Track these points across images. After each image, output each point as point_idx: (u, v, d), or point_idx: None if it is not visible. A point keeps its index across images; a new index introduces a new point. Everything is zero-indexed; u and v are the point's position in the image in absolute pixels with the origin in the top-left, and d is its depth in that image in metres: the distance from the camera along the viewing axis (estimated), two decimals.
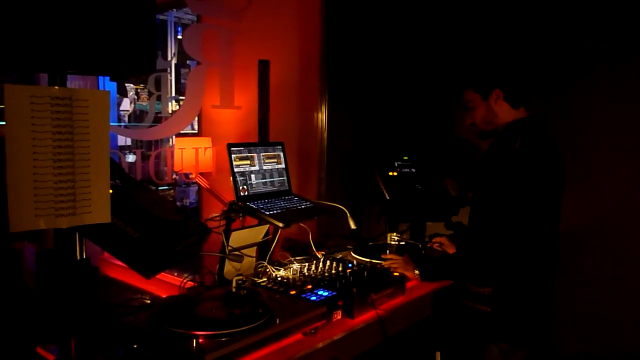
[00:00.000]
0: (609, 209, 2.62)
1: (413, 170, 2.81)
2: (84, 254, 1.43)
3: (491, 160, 1.89)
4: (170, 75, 5.66)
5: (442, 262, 2.18)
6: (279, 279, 2.00)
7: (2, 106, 1.14)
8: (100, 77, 4.06)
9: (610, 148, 2.60)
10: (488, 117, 1.94)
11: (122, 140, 5.28)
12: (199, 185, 3.72)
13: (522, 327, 1.87)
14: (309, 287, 1.90)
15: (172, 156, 3.60)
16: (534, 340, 1.89)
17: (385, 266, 2.18)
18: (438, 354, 2.28)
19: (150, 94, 4.04)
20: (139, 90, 5.94)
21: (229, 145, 2.26)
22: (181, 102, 4.50)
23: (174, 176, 3.89)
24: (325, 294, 1.84)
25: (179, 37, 5.97)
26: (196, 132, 4.35)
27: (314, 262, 2.21)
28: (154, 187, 4.04)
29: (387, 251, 2.34)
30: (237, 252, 1.99)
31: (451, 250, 2.39)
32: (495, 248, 1.80)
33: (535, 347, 1.92)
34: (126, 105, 5.85)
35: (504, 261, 1.83)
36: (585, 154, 2.65)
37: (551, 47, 2.76)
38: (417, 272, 2.09)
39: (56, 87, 1.25)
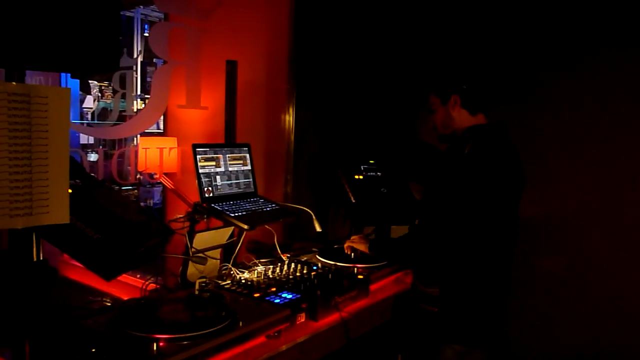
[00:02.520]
0: (568, 212, 2.71)
1: (379, 174, 2.83)
2: (41, 255, 1.39)
3: (442, 164, 1.93)
4: (136, 73, 5.55)
5: (393, 243, 2.18)
6: (243, 281, 1.99)
7: None
8: (63, 74, 3.95)
9: (568, 152, 2.70)
10: (446, 122, 1.99)
11: (85, 139, 5.16)
12: (163, 185, 3.67)
13: (472, 328, 1.88)
14: (273, 289, 1.89)
15: (136, 156, 3.53)
16: (488, 342, 1.92)
17: (345, 246, 2.30)
18: (400, 357, 2.30)
19: (114, 91, 3.96)
20: (103, 88, 5.82)
21: (194, 146, 2.23)
22: (146, 101, 4.43)
23: (138, 176, 3.82)
24: (290, 296, 1.84)
25: (146, 34, 5.87)
26: (161, 131, 4.29)
27: (279, 264, 2.21)
28: (117, 187, 3.96)
29: (352, 255, 2.35)
30: (200, 254, 1.97)
31: (363, 248, 2.27)
32: (437, 250, 1.84)
33: (492, 349, 1.95)
34: (89, 102, 5.73)
35: (448, 262, 1.86)
36: (545, 159, 2.73)
37: (513, 54, 2.84)
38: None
39: (13, 83, 1.22)
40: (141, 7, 5.11)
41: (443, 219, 1.82)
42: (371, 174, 2.80)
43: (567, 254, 2.72)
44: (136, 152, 3.54)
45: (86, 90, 5.68)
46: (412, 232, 2.03)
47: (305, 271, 2.15)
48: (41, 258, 1.39)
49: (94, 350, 1.43)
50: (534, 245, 2.75)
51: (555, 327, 2.76)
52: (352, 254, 2.36)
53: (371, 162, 2.85)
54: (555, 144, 2.73)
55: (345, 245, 2.32)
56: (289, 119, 2.97)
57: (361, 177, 2.74)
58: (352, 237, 2.31)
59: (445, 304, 1.89)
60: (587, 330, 2.66)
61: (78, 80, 4.61)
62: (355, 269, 2.22)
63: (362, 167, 2.80)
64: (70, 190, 1.31)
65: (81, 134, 4.67)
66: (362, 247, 2.22)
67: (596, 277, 2.63)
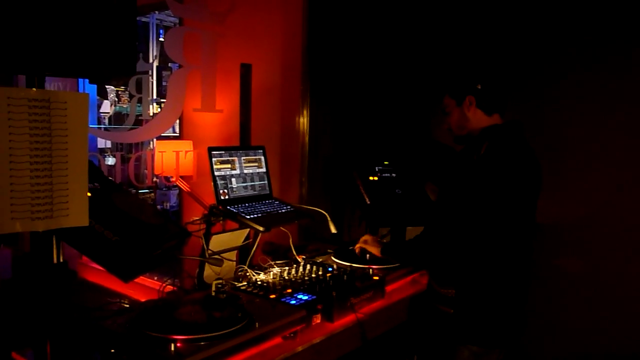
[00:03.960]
0: (587, 212, 2.68)
1: (393, 175, 2.83)
2: (61, 257, 1.42)
3: (458, 165, 1.92)
4: (152, 78, 5.61)
5: (405, 245, 2.18)
6: (259, 282, 2.00)
7: None
8: (80, 79, 4.01)
9: (586, 152, 2.67)
10: (461, 123, 1.98)
11: (102, 143, 5.23)
12: (179, 188, 3.70)
13: (489, 329, 1.87)
14: (289, 291, 1.90)
15: (153, 159, 3.57)
16: (505, 343, 1.91)
17: (356, 247, 2.27)
18: (415, 358, 2.30)
19: (131, 96, 4.01)
20: (119, 92, 5.88)
21: (210, 149, 2.25)
22: (162, 105, 4.47)
23: (155, 179, 3.86)
24: (305, 297, 1.85)
25: (161, 39, 5.92)
26: (177, 135, 4.33)
27: (294, 266, 2.22)
28: (134, 190, 4.01)
29: (367, 256, 2.35)
30: (217, 256, 1.99)
31: (375, 251, 2.26)
32: (453, 251, 1.83)
33: (509, 350, 1.93)
34: (106, 107, 5.79)
35: (464, 263, 1.85)
36: (563, 159, 2.70)
37: (529, 53, 2.82)
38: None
39: (34, 89, 1.24)
40: (156, 12, 5.16)
41: (459, 220, 1.81)
42: (386, 175, 2.80)
43: (586, 255, 2.69)
44: (153, 156, 3.58)
45: (103, 95, 5.74)
46: (425, 234, 2.03)
47: (320, 272, 2.15)
48: (61, 260, 1.42)
49: (113, 350, 1.45)
50: (552, 245, 2.73)
51: (574, 328, 2.73)
52: (368, 255, 2.36)
53: (386, 163, 2.85)
54: (574, 143, 2.70)
55: (357, 247, 2.30)
56: (304, 120, 2.98)
57: (376, 178, 2.74)
58: (364, 238, 2.28)
59: (462, 304, 1.89)
60: (606, 332, 2.63)
61: (95, 86, 4.67)
62: (371, 270, 2.22)
63: (376, 168, 2.80)
64: (89, 194, 1.33)
65: (98, 138, 4.72)
66: (374, 250, 2.20)
67: (616, 279, 2.60)
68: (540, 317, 2.77)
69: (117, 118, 5.93)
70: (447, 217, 1.86)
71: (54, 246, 1.38)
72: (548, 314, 2.78)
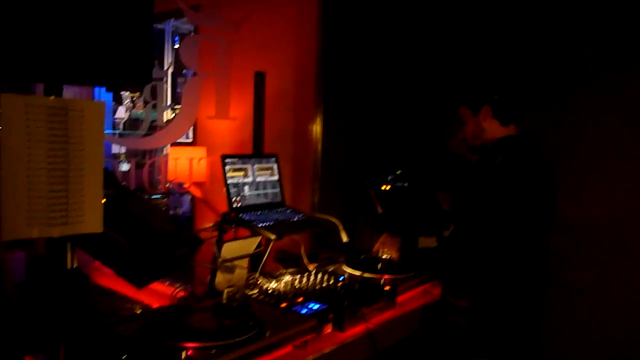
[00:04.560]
0: (604, 221, 2.65)
1: (406, 184, 2.83)
2: (75, 262, 1.43)
3: (473, 176, 1.92)
4: (166, 84, 5.66)
5: (427, 252, 2.17)
6: (270, 291, 2.00)
7: None
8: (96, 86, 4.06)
9: (602, 161, 2.64)
10: (476, 133, 1.97)
11: (116, 148, 5.27)
12: (192, 194, 3.72)
13: (501, 341, 1.85)
14: (300, 299, 1.90)
15: (166, 165, 3.60)
16: (518, 356, 1.89)
17: (374, 250, 2.27)
18: None
19: (145, 102, 4.04)
20: (134, 99, 5.94)
21: (223, 157, 2.27)
22: (177, 111, 4.50)
23: (168, 185, 3.88)
24: (316, 306, 1.84)
25: (176, 46, 5.98)
26: (191, 141, 4.36)
27: (306, 274, 2.22)
28: (147, 196, 4.03)
29: (379, 265, 2.34)
30: (229, 264, 1.99)
31: (394, 253, 2.27)
32: (469, 262, 1.82)
33: None
34: (121, 113, 5.85)
35: (478, 274, 1.84)
36: (579, 168, 2.68)
37: (545, 62, 2.80)
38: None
39: (52, 97, 1.26)
40: (172, 20, 5.21)
41: (475, 231, 1.80)
42: (398, 184, 2.80)
43: (603, 267, 2.65)
44: (166, 162, 3.61)
45: (118, 100, 5.81)
46: (444, 243, 2.02)
47: (332, 281, 2.15)
48: (75, 266, 1.43)
49: (125, 356, 1.46)
50: (569, 256, 2.69)
51: (590, 342, 2.69)
52: (379, 264, 2.35)
53: (398, 172, 2.84)
54: (592, 150, 2.68)
55: (376, 248, 2.29)
56: (317, 129, 2.99)
57: (388, 187, 2.74)
58: (383, 238, 2.28)
59: (475, 316, 1.87)
60: (625, 345, 2.58)
61: (111, 93, 4.73)
62: (382, 279, 2.21)
63: (389, 177, 2.79)
64: (103, 200, 1.35)
65: (113, 144, 4.77)
66: (393, 251, 2.21)
67: (636, 290, 2.56)
68: (557, 330, 2.73)
69: (132, 123, 5.99)
70: (464, 228, 1.86)
71: (68, 252, 1.39)
72: (565, 327, 2.74)
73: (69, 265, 1.40)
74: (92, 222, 1.30)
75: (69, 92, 1.32)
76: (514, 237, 1.80)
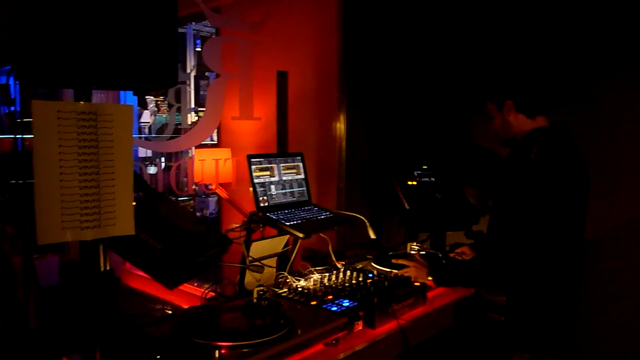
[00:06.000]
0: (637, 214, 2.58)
1: (432, 179, 2.80)
2: (108, 265, 1.46)
3: (508, 170, 1.89)
4: (190, 87, 5.72)
5: (456, 268, 2.17)
6: (300, 289, 2.00)
7: (30, 120, 1.18)
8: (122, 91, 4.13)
9: (636, 153, 2.57)
10: (504, 127, 1.96)
11: (143, 152, 5.35)
12: (218, 195, 3.75)
13: (540, 335, 1.84)
14: (330, 297, 1.90)
15: (192, 167, 3.63)
16: (557, 349, 1.86)
17: (399, 274, 2.19)
18: None
19: (170, 105, 4.09)
20: (159, 103, 6.02)
21: (249, 157, 2.28)
22: (200, 114, 4.54)
23: (194, 187, 3.93)
24: (346, 304, 1.84)
25: (198, 49, 6.04)
26: (216, 143, 4.39)
27: (334, 272, 2.21)
28: (174, 198, 4.08)
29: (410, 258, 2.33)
30: (257, 263, 2.00)
31: (422, 277, 2.30)
32: (507, 256, 1.80)
33: (560, 356, 1.89)
34: (146, 117, 5.93)
35: (517, 269, 1.82)
36: (612, 161, 2.61)
37: (576, 53, 2.73)
38: (430, 278, 2.11)
39: (81, 102, 1.28)
40: (193, 23, 5.26)
41: (514, 226, 1.78)
42: (425, 179, 2.78)
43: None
44: (192, 164, 3.64)
45: (143, 105, 5.89)
46: (480, 255, 2.00)
47: (360, 279, 2.14)
48: (107, 268, 1.45)
49: (158, 357, 1.48)
50: (606, 250, 2.63)
51: (627, 335, 2.63)
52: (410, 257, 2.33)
53: (424, 167, 2.82)
54: (622, 143, 2.61)
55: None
56: (341, 126, 2.98)
57: (415, 182, 2.72)
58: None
59: (514, 311, 1.86)
60: None
61: (137, 97, 4.79)
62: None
63: (415, 172, 2.77)
64: (134, 203, 1.36)
65: (140, 147, 4.84)
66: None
67: None
68: (593, 323, 2.67)
69: (157, 127, 6.07)
70: (502, 224, 1.83)
71: (101, 254, 1.42)
72: (602, 320, 2.68)
73: (102, 268, 1.42)
74: (123, 224, 1.32)
75: (95, 98, 1.34)
76: (553, 230, 1.78)
